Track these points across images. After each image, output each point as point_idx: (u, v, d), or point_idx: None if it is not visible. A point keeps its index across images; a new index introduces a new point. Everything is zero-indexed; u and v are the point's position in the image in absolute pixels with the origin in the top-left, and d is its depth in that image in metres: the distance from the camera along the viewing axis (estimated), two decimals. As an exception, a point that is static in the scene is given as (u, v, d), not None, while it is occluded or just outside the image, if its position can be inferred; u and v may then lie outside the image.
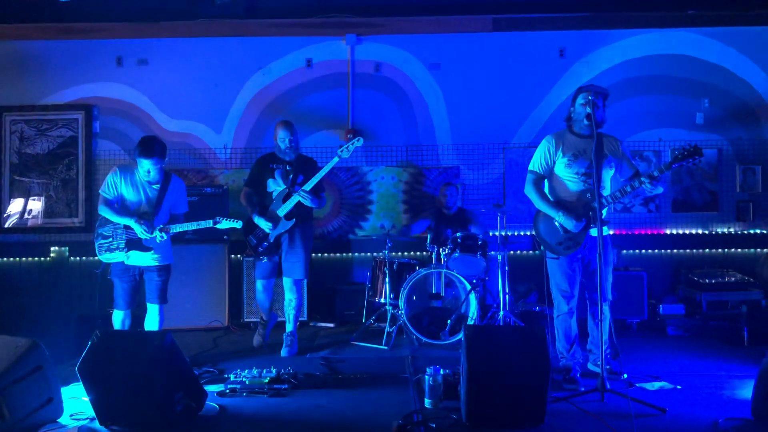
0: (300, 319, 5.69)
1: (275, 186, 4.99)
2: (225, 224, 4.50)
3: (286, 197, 4.92)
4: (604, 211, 3.93)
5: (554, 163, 4.03)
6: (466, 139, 6.61)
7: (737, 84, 6.52)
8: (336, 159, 4.92)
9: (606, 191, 4.01)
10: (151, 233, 4.32)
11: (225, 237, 6.03)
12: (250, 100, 6.62)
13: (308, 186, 4.87)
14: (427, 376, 3.55)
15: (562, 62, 6.59)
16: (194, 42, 6.60)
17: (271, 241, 4.94)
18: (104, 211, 4.39)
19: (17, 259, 6.51)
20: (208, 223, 4.49)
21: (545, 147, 4.08)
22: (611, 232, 4.36)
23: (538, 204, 4.07)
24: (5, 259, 6.51)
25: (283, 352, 4.86)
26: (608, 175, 4.06)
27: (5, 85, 6.59)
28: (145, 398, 3.21)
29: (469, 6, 6.40)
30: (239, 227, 4.62)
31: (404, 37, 6.58)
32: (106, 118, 6.61)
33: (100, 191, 4.46)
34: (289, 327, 4.99)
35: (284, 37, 6.57)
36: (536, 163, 4.11)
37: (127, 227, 4.36)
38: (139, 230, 4.29)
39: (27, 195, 6.57)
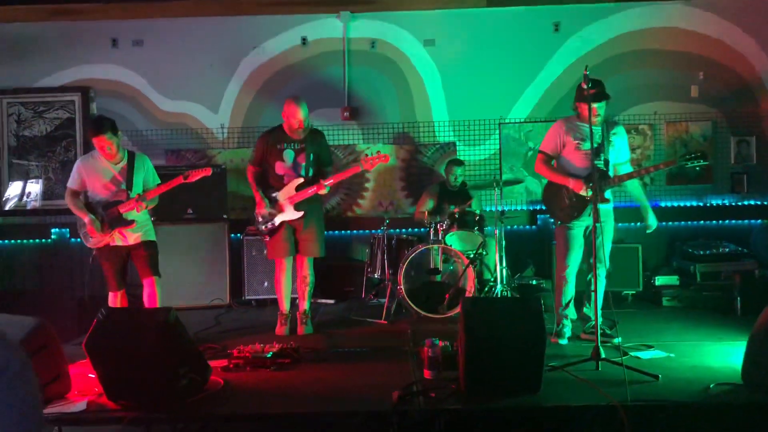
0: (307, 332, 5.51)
1: (286, 169, 4.83)
2: (196, 176, 4.50)
3: (299, 186, 4.79)
4: (609, 191, 4.32)
5: (564, 145, 4.37)
6: (462, 114, 6.64)
7: (732, 56, 6.54)
8: (360, 167, 4.77)
9: (611, 172, 4.33)
10: (103, 230, 4.36)
11: (225, 216, 6.09)
12: (246, 80, 6.64)
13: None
14: (426, 348, 3.63)
15: (556, 37, 6.60)
16: (189, 22, 6.59)
17: (276, 224, 4.85)
18: (69, 203, 4.44)
19: (18, 241, 6.56)
20: (179, 180, 4.45)
21: (556, 131, 4.42)
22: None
23: (550, 176, 4.43)
24: (7, 241, 6.57)
25: (301, 330, 4.85)
26: (613, 156, 4.40)
27: (1, 67, 6.58)
28: (150, 373, 3.28)
29: (464, -19, 6.39)
30: (209, 174, 4.60)
31: (399, 13, 6.58)
32: (102, 99, 6.63)
33: (67, 184, 4.48)
34: (303, 305, 4.94)
35: (279, 15, 6.57)
36: (548, 145, 4.45)
37: (107, 206, 4.38)
38: (97, 226, 4.35)
39: (26, 177, 6.60)
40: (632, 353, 3.99)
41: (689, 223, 6.56)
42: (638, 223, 6.46)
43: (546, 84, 6.60)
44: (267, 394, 3.50)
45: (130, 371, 3.30)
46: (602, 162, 4.24)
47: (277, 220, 4.86)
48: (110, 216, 4.38)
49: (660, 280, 5.83)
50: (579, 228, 4.39)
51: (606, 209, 4.29)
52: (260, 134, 5.08)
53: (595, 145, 4.14)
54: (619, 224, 6.15)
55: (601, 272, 4.23)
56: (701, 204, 6.57)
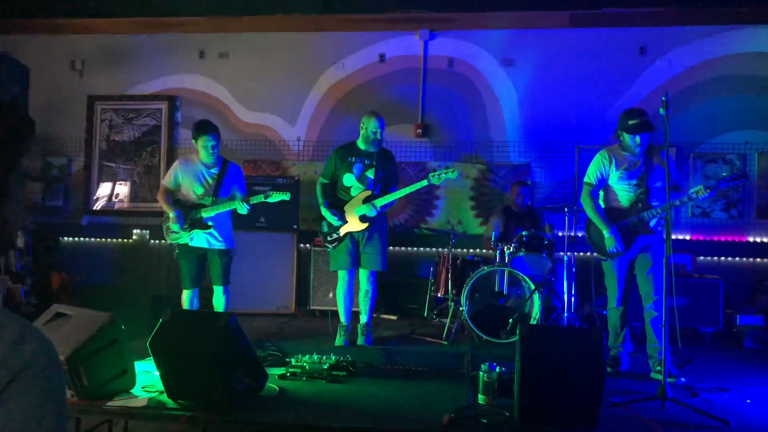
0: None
1: (354, 181, 4.92)
2: (275, 197, 4.67)
3: (366, 199, 4.85)
4: (654, 221, 4.21)
5: (608, 175, 4.32)
6: (538, 136, 6.52)
7: (835, 84, 6.12)
8: (424, 182, 4.78)
9: (656, 201, 4.22)
10: (184, 228, 4.57)
11: (294, 226, 6.21)
12: (323, 94, 6.78)
13: (381, 202, 4.82)
14: (481, 373, 3.55)
15: (641, 60, 6.39)
16: (272, 36, 6.83)
17: (340, 235, 4.93)
18: (160, 197, 4.69)
19: (103, 239, 6.95)
20: (260, 198, 4.65)
21: (600, 161, 4.36)
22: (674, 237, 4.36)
23: (591, 215, 4.37)
24: (93, 239, 6.97)
25: (360, 341, 4.90)
26: (657, 180, 4.26)
27: (97, 75, 7.05)
28: (208, 375, 3.36)
29: (546, 1, 6.29)
30: (288, 199, 4.75)
31: (478, 32, 6.56)
32: (187, 108, 6.95)
33: (162, 181, 4.75)
34: (363, 318, 4.97)
35: (359, 32, 6.69)
36: (592, 176, 4.39)
37: (193, 207, 4.63)
38: (181, 222, 4.56)
39: (114, 180, 6.99)
40: (704, 395, 3.75)
41: (779, 260, 6.14)
42: (721, 257, 6.18)
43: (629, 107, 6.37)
44: (320, 405, 3.52)
45: (190, 372, 3.40)
46: (643, 190, 4.19)
47: (342, 230, 4.92)
48: (192, 216, 4.62)
49: (743, 320, 5.47)
50: (626, 261, 4.33)
51: (652, 237, 4.24)
52: (334, 149, 5.17)
53: (638, 174, 4.19)
54: (700, 257, 5.92)
55: (653, 305, 4.19)
56: (793, 240, 6.15)
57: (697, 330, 5.53)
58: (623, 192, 4.28)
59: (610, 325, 4.44)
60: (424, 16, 6.42)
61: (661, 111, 3.89)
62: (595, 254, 4.51)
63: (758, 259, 6.16)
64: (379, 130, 4.85)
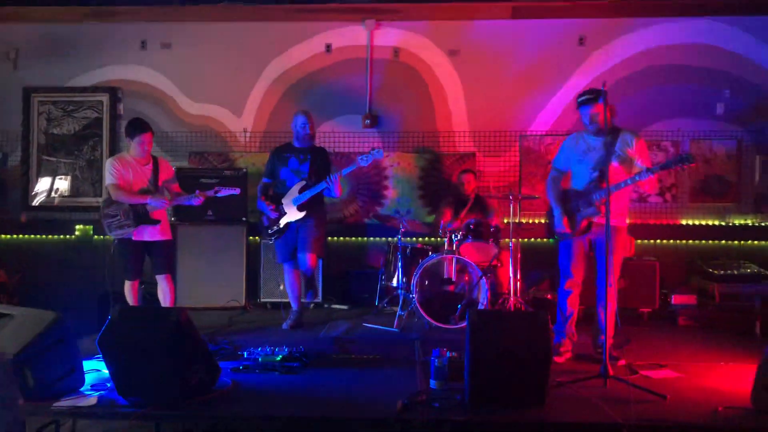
0: (315, 300, 5.93)
1: (289, 174, 5.19)
2: (225, 193, 4.85)
3: (302, 189, 5.10)
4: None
5: (569, 160, 4.39)
6: (483, 126, 6.64)
7: (759, 74, 6.45)
8: (354, 167, 5.03)
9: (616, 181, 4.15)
10: (168, 205, 4.74)
11: (243, 219, 6.17)
12: (270, 85, 6.72)
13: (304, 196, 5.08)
14: (433, 358, 3.64)
15: (581, 50, 6.58)
16: (216, 26, 6.71)
17: (281, 227, 5.18)
18: (120, 196, 4.66)
19: (44, 236, 6.73)
20: (210, 194, 4.79)
21: (564, 145, 4.47)
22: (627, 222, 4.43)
23: (548, 195, 4.50)
24: (33, 236, 6.74)
25: (302, 299, 5.34)
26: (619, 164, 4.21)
27: (34, 66, 6.78)
28: (160, 371, 3.34)
29: (489, -7, 6.39)
30: (237, 194, 4.95)
31: (423, 23, 6.63)
32: (129, 100, 6.78)
33: (108, 182, 4.72)
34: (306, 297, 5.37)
35: (304, 22, 6.65)
36: (556, 160, 4.53)
37: (133, 203, 4.66)
38: (159, 203, 4.67)
39: (54, 174, 6.77)
40: (642, 372, 3.95)
41: (710, 241, 6.46)
42: (657, 240, 6.47)
43: (569, 97, 6.56)
44: (274, 396, 3.55)
45: (141, 368, 3.37)
46: (598, 174, 4.12)
47: (282, 221, 5.16)
48: (137, 213, 4.66)
49: (677, 299, 5.75)
50: (581, 244, 4.32)
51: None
52: (272, 150, 5.45)
53: (596, 157, 4.16)
54: (637, 240, 6.18)
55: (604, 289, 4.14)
56: (723, 223, 6.48)
57: (636, 310, 5.78)
58: (580, 175, 4.30)
59: (557, 308, 4.44)
60: (369, 6, 6.42)
61: (599, 100, 4.05)
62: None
63: (691, 242, 6.47)
64: (306, 125, 5.15)
